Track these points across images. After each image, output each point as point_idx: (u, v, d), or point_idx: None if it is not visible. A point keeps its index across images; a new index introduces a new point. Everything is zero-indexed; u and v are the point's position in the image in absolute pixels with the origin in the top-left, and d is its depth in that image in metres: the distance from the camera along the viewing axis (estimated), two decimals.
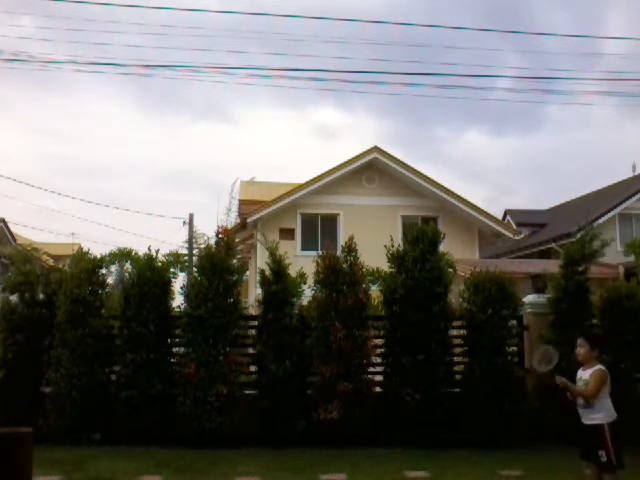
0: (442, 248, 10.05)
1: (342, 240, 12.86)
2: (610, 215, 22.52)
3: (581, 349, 5.73)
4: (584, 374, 5.68)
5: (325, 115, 77.52)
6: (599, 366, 5.68)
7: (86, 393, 9.08)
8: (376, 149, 19.91)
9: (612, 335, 9.73)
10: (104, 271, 10.35)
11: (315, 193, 19.70)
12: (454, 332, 9.99)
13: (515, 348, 9.95)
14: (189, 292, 9.62)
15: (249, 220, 19.20)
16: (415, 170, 20.03)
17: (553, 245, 22.30)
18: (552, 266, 11.38)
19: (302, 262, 10.49)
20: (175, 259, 31.85)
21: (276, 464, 7.86)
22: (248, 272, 21.93)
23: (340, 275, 9.54)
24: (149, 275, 9.55)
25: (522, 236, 25.10)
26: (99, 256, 10.26)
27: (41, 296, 9.97)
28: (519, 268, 15.73)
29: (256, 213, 19.14)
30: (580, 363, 5.75)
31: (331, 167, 19.71)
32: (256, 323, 9.94)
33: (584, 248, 9.93)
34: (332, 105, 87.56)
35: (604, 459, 5.44)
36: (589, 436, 5.61)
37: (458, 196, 20.04)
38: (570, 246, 10.37)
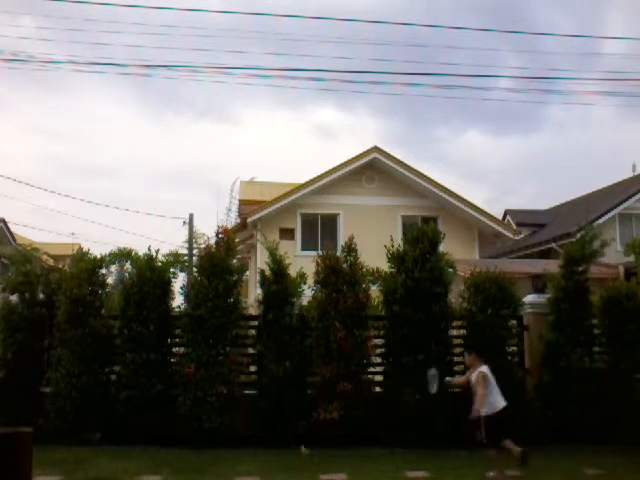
0: (442, 248, 10.05)
1: (342, 240, 12.87)
2: (610, 215, 22.50)
3: (467, 357, 7.66)
4: (472, 376, 7.38)
5: (325, 115, 77.59)
6: (480, 369, 7.32)
7: (86, 393, 9.07)
8: (376, 149, 19.90)
9: (612, 335, 9.76)
10: (104, 271, 10.34)
11: (315, 193, 19.69)
12: (454, 332, 9.99)
13: (515, 348, 9.96)
14: (189, 292, 9.62)
15: (249, 220, 19.20)
16: (415, 170, 20.03)
17: (553, 245, 22.29)
18: (552, 266, 11.37)
19: (302, 262, 10.47)
20: (175, 259, 31.86)
21: (276, 464, 7.86)
22: (248, 272, 21.92)
23: (340, 275, 9.54)
24: (149, 275, 9.54)
25: (522, 236, 25.09)
26: (99, 256, 10.24)
27: (41, 296, 9.97)
28: (519, 268, 15.71)
29: (256, 213, 19.14)
30: (469, 366, 7.54)
31: (331, 167, 19.71)
32: (256, 323, 9.94)
33: (584, 248, 9.92)
34: (332, 105, 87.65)
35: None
36: (476, 422, 7.20)
37: (458, 196, 20.03)
38: (570, 246, 10.37)
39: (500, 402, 7.24)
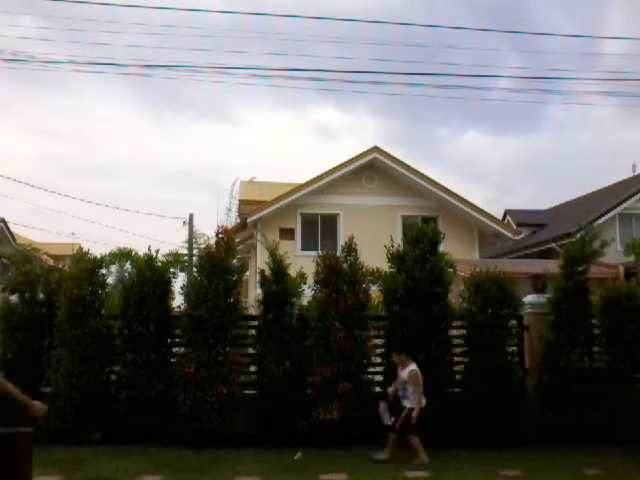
0: (442, 248, 10.04)
1: (342, 240, 12.87)
2: (610, 215, 22.51)
3: (396, 357, 8.41)
4: (402, 373, 8.21)
5: (325, 115, 77.62)
6: (412, 367, 8.20)
7: (86, 393, 9.07)
8: (376, 149, 19.90)
9: (612, 335, 9.76)
10: (104, 271, 10.34)
11: (315, 193, 19.69)
12: (454, 332, 9.98)
13: (515, 348, 9.95)
14: (189, 292, 9.62)
15: (249, 220, 19.19)
16: (415, 170, 20.02)
17: (553, 245, 22.30)
18: (552, 266, 11.37)
19: (302, 262, 10.46)
20: (175, 259, 31.85)
21: (276, 464, 7.86)
22: (248, 272, 21.92)
23: (340, 275, 9.53)
24: (149, 275, 9.54)
25: (522, 236, 25.09)
26: (99, 256, 10.23)
27: (41, 296, 9.96)
28: (519, 268, 15.71)
29: (256, 213, 19.13)
30: (398, 365, 8.31)
31: (331, 167, 19.71)
32: (256, 323, 9.93)
33: (584, 248, 9.92)
34: (332, 105, 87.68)
35: (390, 423, 8.11)
36: (398, 412, 8.08)
37: (458, 196, 20.03)
38: (570, 246, 10.36)
39: (424, 400, 8.16)
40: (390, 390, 8.42)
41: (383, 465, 7.83)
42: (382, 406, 8.30)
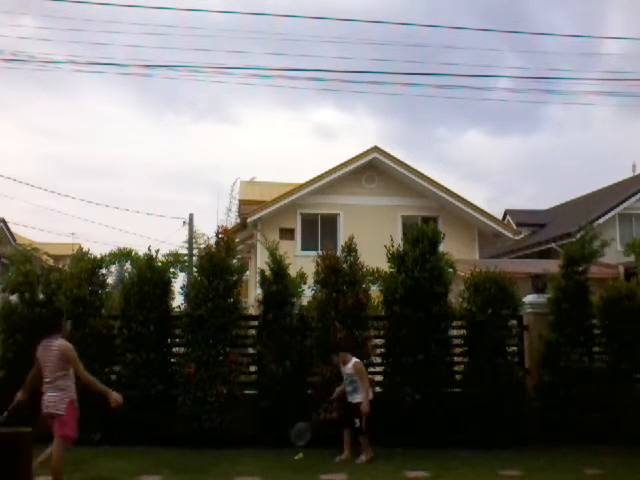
0: (442, 248, 10.04)
1: (342, 240, 12.87)
2: (610, 215, 22.51)
3: (339, 358, 8.38)
4: (346, 368, 8.26)
5: (325, 115, 77.61)
6: (355, 360, 8.26)
7: (86, 393, 9.04)
8: (376, 149, 19.89)
9: (612, 335, 9.76)
10: (104, 271, 10.34)
11: (315, 193, 19.68)
12: (454, 332, 9.98)
13: (515, 348, 9.95)
14: (189, 292, 9.62)
15: (249, 220, 19.19)
16: (415, 170, 20.02)
17: (553, 245, 22.29)
18: (552, 266, 11.37)
19: (302, 262, 10.47)
20: (175, 259, 31.87)
21: (276, 464, 7.86)
22: (248, 272, 21.92)
23: (340, 275, 9.53)
24: (149, 275, 9.54)
25: (522, 236, 25.09)
26: (99, 256, 10.24)
27: (41, 296, 9.95)
28: (519, 268, 15.71)
29: (256, 213, 19.13)
30: (342, 363, 8.32)
31: (331, 167, 19.70)
32: (256, 323, 9.93)
33: (584, 248, 9.92)
34: (332, 105, 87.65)
35: (358, 425, 8.03)
36: (351, 410, 8.13)
37: (458, 196, 20.02)
38: (570, 246, 10.37)
39: (371, 393, 8.31)
40: (338, 390, 8.45)
41: (383, 465, 7.84)
42: (302, 426, 8.82)
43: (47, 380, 5.86)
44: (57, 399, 5.83)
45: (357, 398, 8.13)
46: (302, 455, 8.24)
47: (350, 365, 8.22)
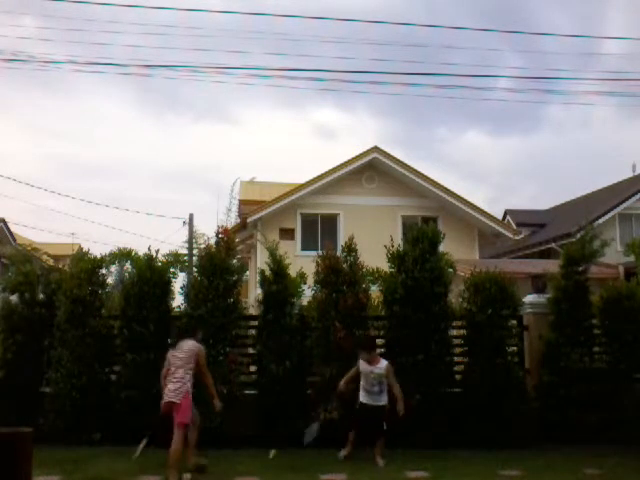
0: (442, 248, 10.03)
1: (342, 240, 12.87)
2: (610, 215, 22.52)
3: (366, 355, 8.11)
4: (375, 368, 8.04)
5: (325, 115, 77.68)
6: (386, 361, 8.15)
7: (86, 393, 9.07)
8: (376, 149, 19.90)
9: (612, 335, 9.76)
10: (104, 271, 10.31)
11: (315, 193, 19.69)
12: (454, 332, 9.98)
13: (515, 348, 9.95)
14: (189, 292, 9.61)
15: (249, 220, 19.20)
16: (415, 170, 20.03)
17: (553, 245, 22.31)
18: (552, 266, 11.37)
19: (302, 262, 10.46)
20: (175, 259, 31.83)
21: (276, 464, 7.86)
22: (248, 272, 21.92)
23: (340, 275, 9.53)
24: (149, 275, 9.53)
25: (522, 236, 25.09)
26: (99, 256, 10.22)
27: (41, 296, 9.95)
28: (519, 268, 15.73)
29: (256, 213, 19.14)
30: (369, 362, 8.09)
31: (331, 167, 19.72)
32: (256, 323, 9.93)
33: (584, 248, 9.92)
34: (332, 105, 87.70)
35: (386, 427, 7.98)
36: (376, 413, 8.03)
37: (458, 196, 20.03)
38: (570, 246, 10.36)
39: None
40: (342, 383, 8.30)
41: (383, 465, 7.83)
42: (315, 426, 8.77)
43: (175, 375, 7.04)
44: (177, 390, 6.98)
45: (383, 400, 8.06)
46: (276, 452, 8.25)
47: (382, 365, 8.09)
